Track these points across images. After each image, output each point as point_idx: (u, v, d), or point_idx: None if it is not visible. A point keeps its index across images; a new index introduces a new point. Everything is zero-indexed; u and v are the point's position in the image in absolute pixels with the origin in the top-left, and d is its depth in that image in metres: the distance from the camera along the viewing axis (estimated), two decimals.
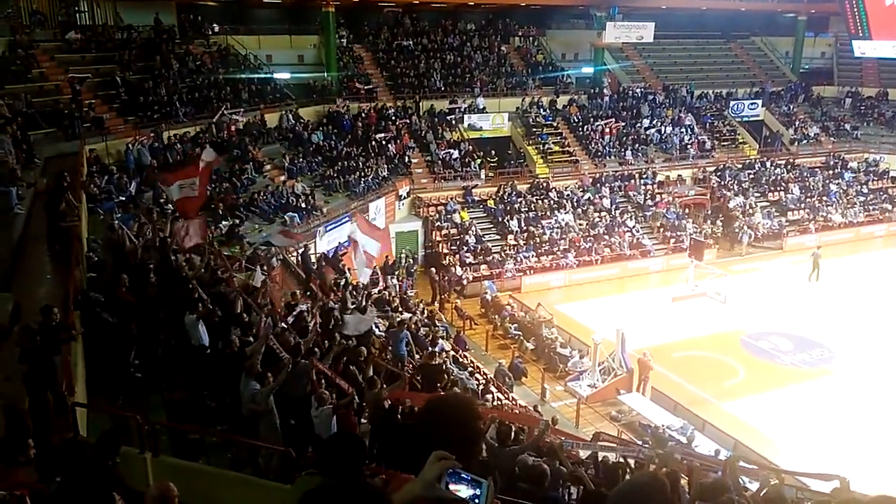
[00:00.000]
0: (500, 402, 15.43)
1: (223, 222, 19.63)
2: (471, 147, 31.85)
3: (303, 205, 23.54)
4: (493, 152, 32.94)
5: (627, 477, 7.97)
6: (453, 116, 32.67)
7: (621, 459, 9.37)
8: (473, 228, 28.59)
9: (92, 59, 23.04)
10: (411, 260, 27.45)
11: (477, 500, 1.98)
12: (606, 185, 32.16)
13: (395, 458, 7.95)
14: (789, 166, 36.08)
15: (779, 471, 10.12)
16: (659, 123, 35.95)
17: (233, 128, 24.29)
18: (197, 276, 11.03)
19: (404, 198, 29.01)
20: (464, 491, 1.99)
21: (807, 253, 29.39)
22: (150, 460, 6.46)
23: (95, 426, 7.07)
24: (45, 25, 23.61)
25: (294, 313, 12.94)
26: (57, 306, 7.94)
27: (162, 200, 17.24)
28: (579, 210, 30.60)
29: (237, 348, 9.27)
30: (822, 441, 16.48)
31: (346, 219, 24.76)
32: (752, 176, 35.01)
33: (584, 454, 10.33)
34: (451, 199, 29.58)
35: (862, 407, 18.08)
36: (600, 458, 9.78)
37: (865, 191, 35.47)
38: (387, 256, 26.29)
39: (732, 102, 38.45)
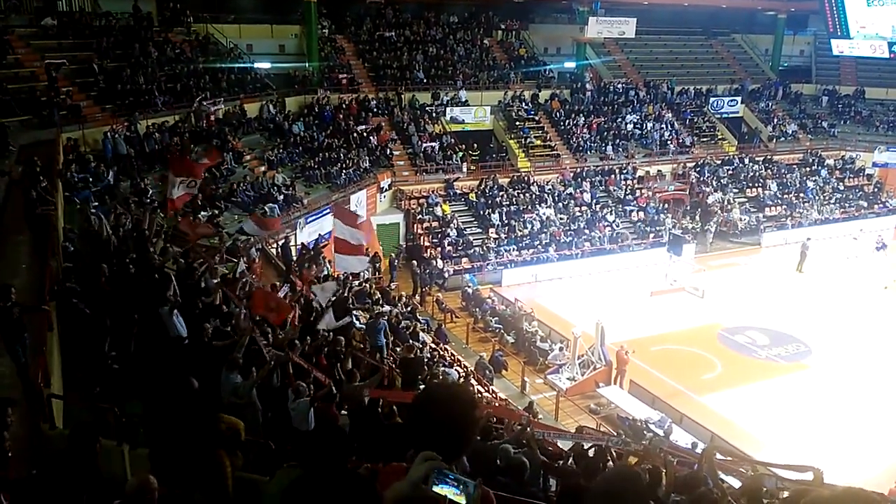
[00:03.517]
0: (480, 395, 15.46)
1: (202, 213, 19.44)
2: (453, 140, 31.84)
3: (282, 196, 23.38)
4: (475, 145, 32.96)
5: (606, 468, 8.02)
6: (435, 109, 32.61)
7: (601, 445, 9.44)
8: (455, 221, 28.59)
9: (69, 46, 22.65)
10: (392, 254, 27.39)
11: (463, 501, 1.98)
12: (587, 179, 32.32)
13: (376, 452, 7.93)
14: (767, 163, 36.50)
15: (753, 462, 10.26)
16: (640, 119, 36.17)
17: (212, 117, 24.03)
18: (173, 268, 10.91)
19: (386, 190, 28.93)
20: (450, 491, 1.98)
21: (783, 248, 29.83)
22: (128, 452, 6.39)
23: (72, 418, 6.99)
24: (20, 11, 23.16)
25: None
26: (19, 290, 7.83)
27: (148, 190, 17.12)
28: (560, 204, 30.73)
29: (209, 336, 9.19)
30: (797, 434, 16.73)
31: (328, 210, 24.63)
32: (730, 172, 35.38)
33: (563, 445, 10.39)
34: (433, 191, 29.55)
35: (837, 401, 18.38)
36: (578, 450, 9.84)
37: (842, 188, 36.01)
38: (367, 248, 26.22)
39: (712, 99, 38.81)
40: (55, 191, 12.91)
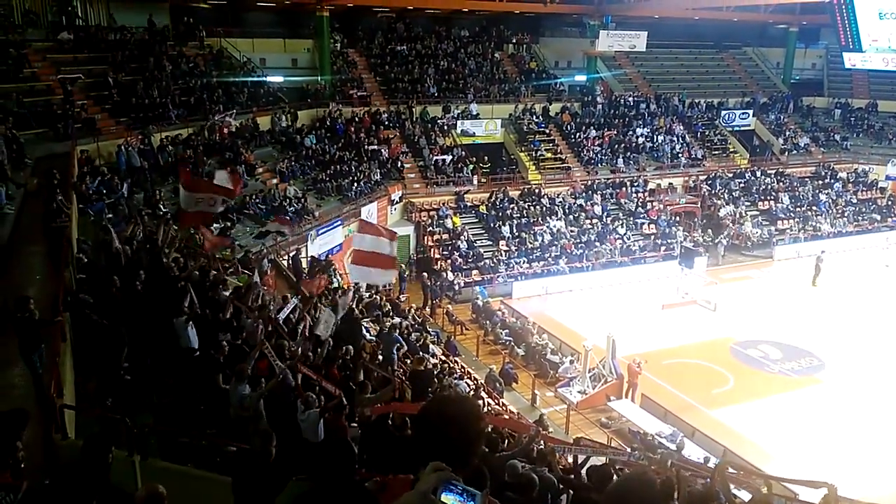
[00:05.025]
0: (490, 408, 15.41)
1: (214, 225, 19.53)
2: (463, 153, 31.95)
3: (294, 208, 23.48)
4: (485, 158, 33.05)
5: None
6: (446, 122, 32.74)
7: (609, 462, 9.37)
8: (465, 234, 28.62)
9: (84, 60, 22.95)
10: (403, 266, 27.43)
11: None
12: (598, 192, 32.30)
13: (386, 464, 7.92)
14: (779, 176, 36.38)
15: (767, 477, 10.16)
16: (651, 132, 36.16)
17: (225, 130, 24.23)
18: (190, 279, 10.97)
19: (397, 202, 29.02)
20: (457, 503, 1.99)
21: (796, 261, 29.60)
22: (139, 463, 6.42)
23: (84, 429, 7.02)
24: (37, 25, 23.50)
25: (282, 315, 12.84)
26: (34, 300, 7.90)
27: (161, 202, 17.25)
28: (571, 217, 30.72)
29: (226, 353, 9.22)
30: (810, 449, 16.54)
31: (339, 223, 24.74)
32: (742, 185, 35.27)
33: (572, 459, 10.32)
34: (444, 204, 29.62)
35: (850, 415, 18.17)
36: (589, 464, 9.77)
37: (854, 201, 35.80)
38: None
39: (724, 112, 38.77)
40: (70, 203, 13.04)
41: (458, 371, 17.55)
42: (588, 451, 9.44)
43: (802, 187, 35.98)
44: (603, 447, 12.58)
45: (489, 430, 9.52)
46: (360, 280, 18.36)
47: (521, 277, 27.40)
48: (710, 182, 34.70)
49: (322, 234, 23.74)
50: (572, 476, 8.46)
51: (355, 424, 9.21)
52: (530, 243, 28.83)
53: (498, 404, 16.58)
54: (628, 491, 2.38)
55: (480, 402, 15.22)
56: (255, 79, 29.04)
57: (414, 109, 32.76)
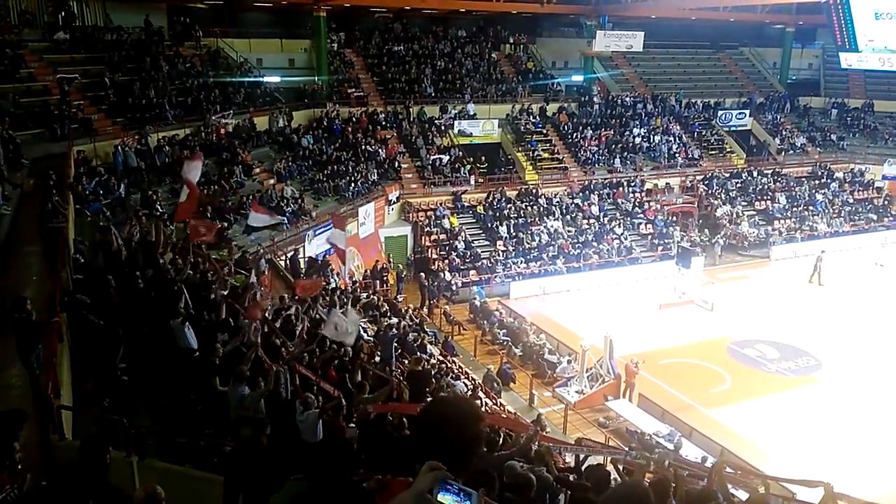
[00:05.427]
0: (488, 408, 15.41)
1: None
2: (461, 153, 31.96)
3: (291, 209, 23.46)
4: (482, 158, 33.06)
5: (614, 481, 7.96)
6: (443, 122, 32.75)
7: (609, 465, 9.38)
8: (463, 234, 28.63)
9: (81, 60, 22.92)
10: (401, 266, 27.43)
11: None
12: (595, 192, 32.34)
13: (385, 464, 7.91)
14: (776, 176, 36.45)
15: (764, 476, 10.19)
16: (647, 132, 36.21)
17: (222, 130, 24.21)
18: (185, 280, 10.96)
19: (394, 203, 29.01)
20: (454, 502, 2.00)
21: (793, 261, 29.67)
22: (136, 464, 6.42)
23: (81, 429, 7.01)
24: (33, 25, 23.46)
25: (282, 316, 12.85)
26: (30, 300, 7.90)
27: (157, 202, 17.22)
28: (568, 217, 30.74)
29: (221, 355, 9.21)
30: (808, 448, 16.57)
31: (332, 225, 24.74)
32: (739, 185, 35.34)
33: (570, 458, 10.33)
34: (441, 204, 29.62)
35: (848, 414, 18.20)
36: (586, 465, 9.78)
37: (851, 200, 35.89)
38: (377, 261, 26.30)
39: (720, 112, 38.86)
40: (66, 203, 13.03)
41: (455, 371, 17.56)
42: (586, 450, 9.45)
43: (799, 187, 36.07)
44: (601, 447, 12.61)
45: (492, 429, 9.52)
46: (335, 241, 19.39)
47: (519, 277, 27.40)
48: (706, 182, 34.76)
49: (319, 234, 23.71)
50: (571, 476, 8.47)
51: (353, 425, 9.20)
52: (528, 243, 28.84)
53: (496, 404, 16.59)
54: (622, 498, 2.40)
55: (478, 402, 15.23)
56: (252, 79, 29.01)
57: (411, 109, 32.77)
